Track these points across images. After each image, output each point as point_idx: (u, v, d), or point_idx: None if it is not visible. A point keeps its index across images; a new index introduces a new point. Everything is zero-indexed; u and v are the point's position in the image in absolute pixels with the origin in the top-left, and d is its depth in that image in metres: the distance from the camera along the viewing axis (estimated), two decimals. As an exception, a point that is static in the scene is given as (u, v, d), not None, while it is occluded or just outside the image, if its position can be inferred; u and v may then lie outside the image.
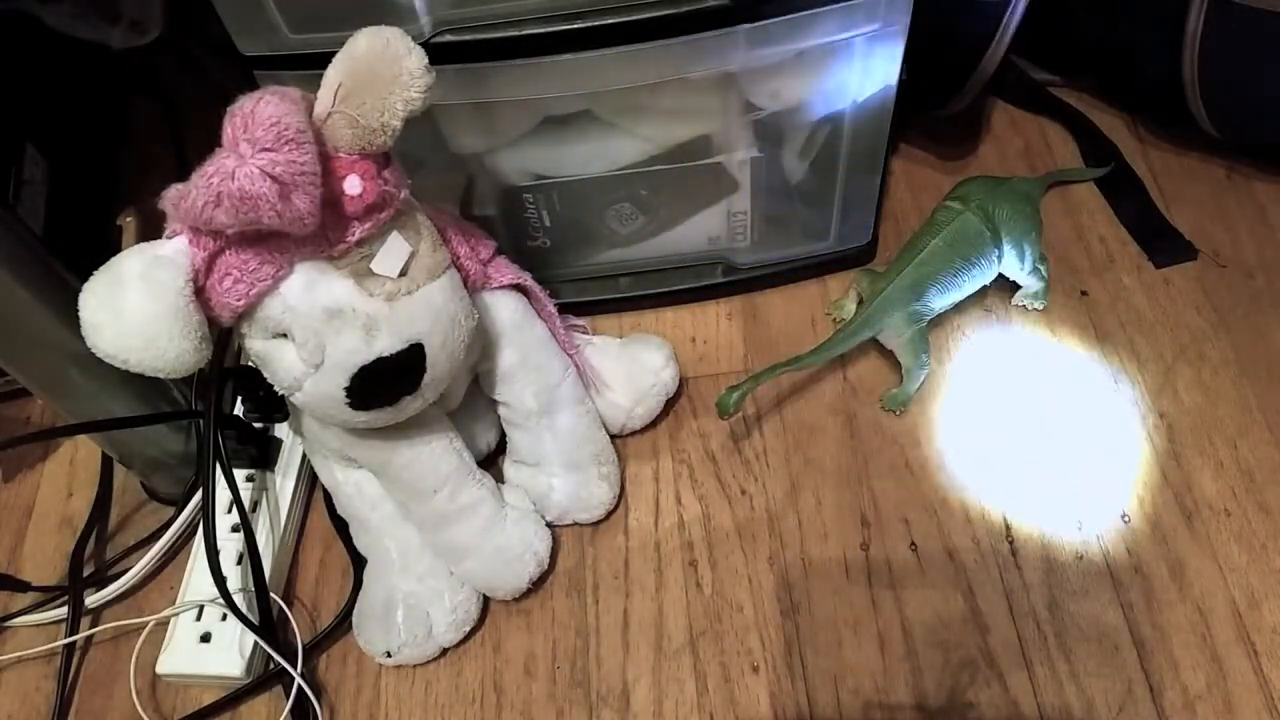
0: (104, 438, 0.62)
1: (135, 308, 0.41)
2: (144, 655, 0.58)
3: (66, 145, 0.73)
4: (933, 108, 0.72)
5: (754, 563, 0.59)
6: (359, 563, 0.60)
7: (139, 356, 0.42)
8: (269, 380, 0.49)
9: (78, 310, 0.41)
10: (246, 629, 0.56)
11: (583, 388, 0.60)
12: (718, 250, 0.69)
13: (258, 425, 0.63)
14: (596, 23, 0.49)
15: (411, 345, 0.48)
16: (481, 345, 0.56)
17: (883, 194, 0.68)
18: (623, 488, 0.62)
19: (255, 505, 0.62)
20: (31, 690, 0.59)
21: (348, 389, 0.47)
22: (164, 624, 0.59)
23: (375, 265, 0.46)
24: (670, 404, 0.64)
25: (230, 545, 0.59)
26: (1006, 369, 0.65)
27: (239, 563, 0.59)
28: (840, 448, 0.63)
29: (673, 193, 0.63)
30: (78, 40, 0.68)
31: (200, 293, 0.43)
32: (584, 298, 0.69)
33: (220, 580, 0.55)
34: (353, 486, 0.58)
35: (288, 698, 0.56)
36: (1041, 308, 0.67)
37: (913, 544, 0.59)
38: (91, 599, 0.61)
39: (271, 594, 0.58)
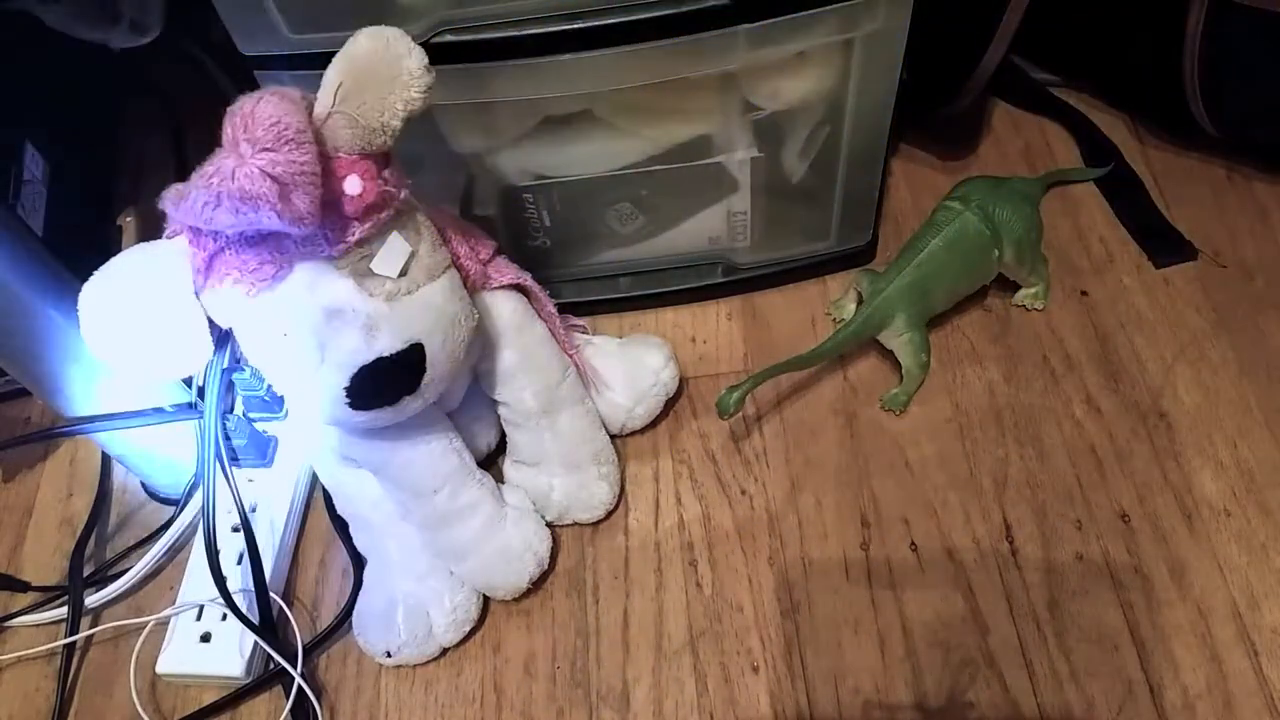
0: (104, 438, 0.62)
1: (135, 308, 0.41)
2: (144, 655, 0.58)
3: (66, 145, 0.73)
4: (933, 108, 0.72)
5: (754, 563, 0.59)
6: (359, 563, 0.60)
7: (139, 356, 0.42)
8: (269, 380, 0.49)
9: (78, 310, 0.41)
10: (246, 629, 0.56)
11: (583, 388, 0.60)
12: (718, 250, 0.69)
13: (258, 425, 0.63)
14: (596, 23, 0.49)
15: (411, 345, 0.48)
16: (481, 345, 0.56)
17: (883, 194, 0.68)
18: (623, 488, 0.62)
19: (255, 505, 0.62)
20: (31, 690, 0.59)
21: (348, 389, 0.47)
22: (164, 624, 0.59)
23: (375, 265, 0.46)
24: (670, 404, 0.64)
25: (230, 545, 0.59)
26: (1006, 369, 0.65)
27: (239, 563, 0.59)
28: (840, 448, 0.63)
29: (673, 193, 0.63)
30: (78, 40, 0.68)
31: (200, 293, 0.43)
32: (584, 298, 0.69)
33: (220, 580, 0.55)
34: (353, 486, 0.58)
35: (288, 698, 0.56)
36: (1041, 308, 0.67)
37: (913, 544, 0.59)
38: (91, 599, 0.60)
39: (271, 594, 0.58)
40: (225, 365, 0.55)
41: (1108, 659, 0.54)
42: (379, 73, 0.43)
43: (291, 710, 0.55)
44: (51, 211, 0.69)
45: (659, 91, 0.56)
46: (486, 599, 0.59)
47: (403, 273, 0.47)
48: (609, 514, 0.61)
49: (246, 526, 0.57)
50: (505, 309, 0.57)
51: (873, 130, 0.60)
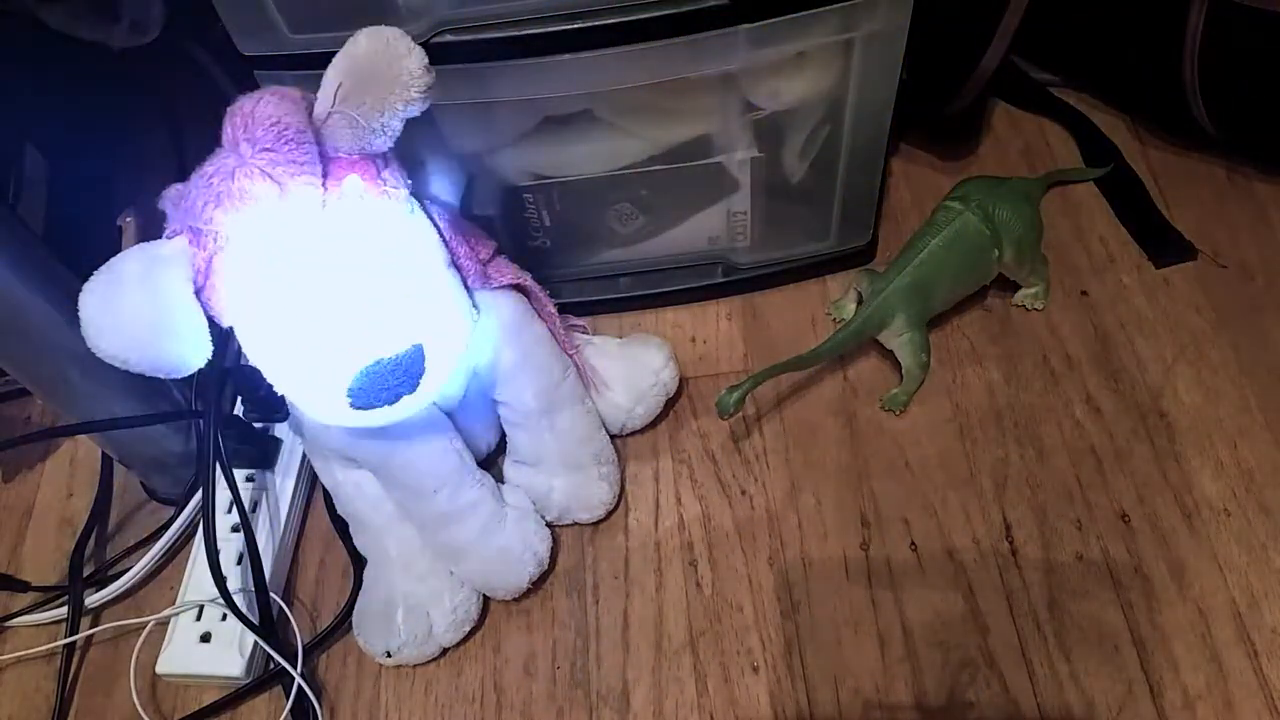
0: (104, 438, 0.62)
1: (135, 308, 0.41)
2: (144, 655, 0.58)
3: (66, 145, 0.73)
4: (933, 108, 0.72)
5: (754, 563, 0.59)
6: (359, 563, 0.60)
7: (139, 356, 0.42)
8: (269, 380, 0.49)
9: (78, 310, 0.41)
10: (246, 629, 0.56)
11: (583, 388, 0.60)
12: (718, 250, 0.69)
13: (258, 425, 0.63)
14: (596, 23, 0.49)
15: (411, 345, 0.48)
16: (481, 345, 0.56)
17: (883, 194, 0.68)
18: (623, 488, 0.62)
19: (255, 505, 0.62)
20: (31, 690, 0.59)
21: (348, 389, 0.47)
22: (164, 624, 0.59)
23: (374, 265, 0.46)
24: (670, 404, 0.64)
25: (230, 545, 0.59)
26: (1006, 369, 0.65)
27: (239, 563, 0.59)
28: (840, 448, 0.63)
29: (673, 193, 0.63)
30: (78, 40, 0.68)
31: (200, 293, 0.43)
32: (584, 298, 0.69)
33: (220, 580, 0.55)
34: (353, 486, 0.58)
35: (288, 698, 0.56)
36: (1041, 308, 0.67)
37: (913, 544, 0.59)
38: (91, 599, 0.61)
39: (271, 594, 0.58)
40: (225, 365, 0.55)
41: (1108, 659, 0.54)
42: (379, 73, 0.42)
43: (291, 710, 0.55)
44: (51, 211, 0.68)
45: (659, 91, 0.56)
46: (486, 599, 0.59)
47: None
48: (609, 514, 0.61)
49: (246, 526, 0.57)
50: (505, 309, 0.57)
51: (873, 130, 0.60)
